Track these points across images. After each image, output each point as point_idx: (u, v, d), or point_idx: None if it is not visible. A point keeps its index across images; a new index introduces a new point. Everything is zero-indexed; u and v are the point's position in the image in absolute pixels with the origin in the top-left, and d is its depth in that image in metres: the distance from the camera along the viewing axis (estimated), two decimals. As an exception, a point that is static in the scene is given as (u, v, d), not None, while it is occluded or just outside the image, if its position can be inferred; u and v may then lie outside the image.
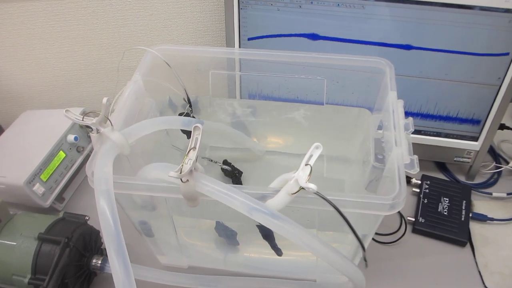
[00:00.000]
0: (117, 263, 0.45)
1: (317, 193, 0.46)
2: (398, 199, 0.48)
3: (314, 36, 0.75)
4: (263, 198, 0.49)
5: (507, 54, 0.70)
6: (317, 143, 0.48)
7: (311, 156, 0.48)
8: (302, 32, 0.75)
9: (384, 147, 0.61)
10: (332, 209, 0.47)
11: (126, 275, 0.45)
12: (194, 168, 0.47)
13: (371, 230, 0.58)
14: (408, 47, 0.73)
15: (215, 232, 0.65)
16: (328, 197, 0.47)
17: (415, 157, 0.53)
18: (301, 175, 0.47)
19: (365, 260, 0.56)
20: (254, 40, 0.78)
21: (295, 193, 0.47)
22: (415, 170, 0.51)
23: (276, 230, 0.48)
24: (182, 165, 0.46)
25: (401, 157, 0.52)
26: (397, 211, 0.48)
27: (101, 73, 0.99)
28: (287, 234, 0.48)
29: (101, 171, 0.49)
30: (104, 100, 0.51)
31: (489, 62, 0.72)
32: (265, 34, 0.77)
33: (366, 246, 0.55)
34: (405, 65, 0.75)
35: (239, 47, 0.79)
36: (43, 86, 1.00)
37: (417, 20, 0.70)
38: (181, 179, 0.47)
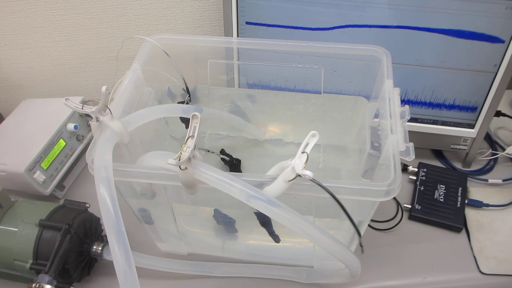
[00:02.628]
0: (117, 250, 0.45)
1: (313, 180, 0.47)
2: (393, 185, 0.48)
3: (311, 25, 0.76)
4: (260, 185, 0.50)
5: (503, 41, 0.71)
6: (313, 131, 0.49)
7: (307, 144, 0.48)
8: (300, 21, 0.76)
9: (380, 135, 0.61)
10: (328, 196, 0.48)
11: (127, 262, 0.45)
12: (193, 156, 0.48)
13: (367, 217, 0.59)
14: (404, 33, 0.73)
15: (214, 220, 0.66)
16: (324, 184, 0.48)
17: (411, 144, 0.53)
18: (298, 163, 0.47)
19: (361, 246, 0.57)
20: (252, 25, 0.78)
21: (292, 180, 0.48)
22: (411, 157, 0.52)
23: (273, 217, 0.49)
24: (181, 153, 0.47)
25: (396, 144, 0.53)
26: (392, 197, 0.49)
27: (100, 62, 0.99)
28: (284, 221, 0.49)
29: (101, 159, 0.49)
30: (103, 88, 0.51)
31: (485, 49, 0.72)
32: (263, 22, 0.77)
33: (362, 232, 0.56)
34: (402, 53, 0.75)
35: (237, 32, 0.79)
36: (42, 75, 1.00)
37: (414, 8, 0.70)
38: (179, 167, 0.48)
